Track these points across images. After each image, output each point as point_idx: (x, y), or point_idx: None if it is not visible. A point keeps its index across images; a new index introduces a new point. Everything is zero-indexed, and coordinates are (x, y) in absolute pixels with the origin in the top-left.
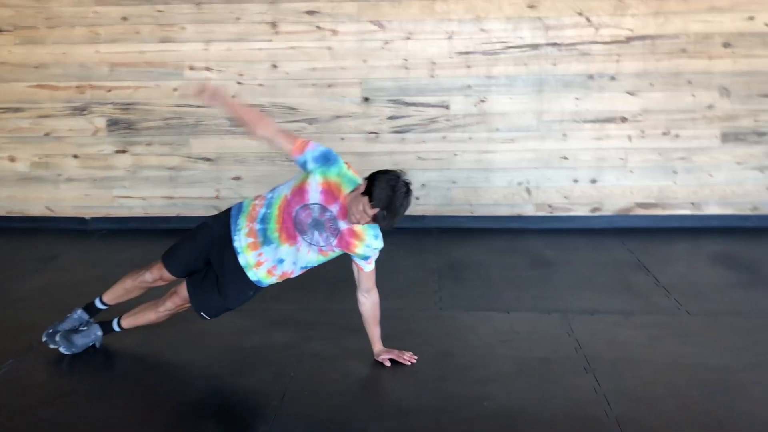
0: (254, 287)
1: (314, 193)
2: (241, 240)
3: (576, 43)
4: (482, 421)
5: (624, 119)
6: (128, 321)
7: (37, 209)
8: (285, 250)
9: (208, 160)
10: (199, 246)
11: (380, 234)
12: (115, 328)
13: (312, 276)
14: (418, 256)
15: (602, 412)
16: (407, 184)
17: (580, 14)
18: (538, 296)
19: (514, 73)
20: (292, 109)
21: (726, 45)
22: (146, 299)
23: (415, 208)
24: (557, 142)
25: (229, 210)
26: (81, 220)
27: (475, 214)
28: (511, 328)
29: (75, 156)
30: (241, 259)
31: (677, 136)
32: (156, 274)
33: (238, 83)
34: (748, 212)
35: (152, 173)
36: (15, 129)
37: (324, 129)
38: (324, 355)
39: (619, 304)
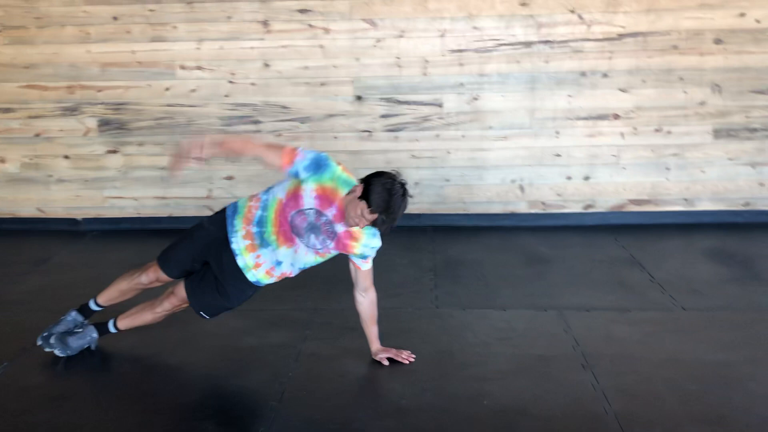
0: (253, 287)
1: (309, 199)
2: (239, 242)
3: (568, 41)
4: (482, 420)
5: (616, 116)
6: (125, 322)
7: (27, 210)
8: (283, 252)
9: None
10: (196, 247)
11: (378, 233)
12: (111, 329)
13: (308, 275)
14: (412, 254)
15: (601, 409)
16: (404, 186)
17: (572, 12)
18: (534, 293)
19: (506, 71)
20: (285, 107)
21: (717, 41)
22: (142, 300)
23: (408, 207)
24: (550, 139)
25: (223, 210)
26: (73, 221)
27: (469, 212)
28: (508, 325)
29: (66, 157)
30: (240, 261)
31: (669, 132)
32: (152, 276)
33: (230, 82)
34: (740, 208)
35: (144, 173)
36: (5, 130)
37: (317, 128)
38: (322, 355)
39: (615, 301)
